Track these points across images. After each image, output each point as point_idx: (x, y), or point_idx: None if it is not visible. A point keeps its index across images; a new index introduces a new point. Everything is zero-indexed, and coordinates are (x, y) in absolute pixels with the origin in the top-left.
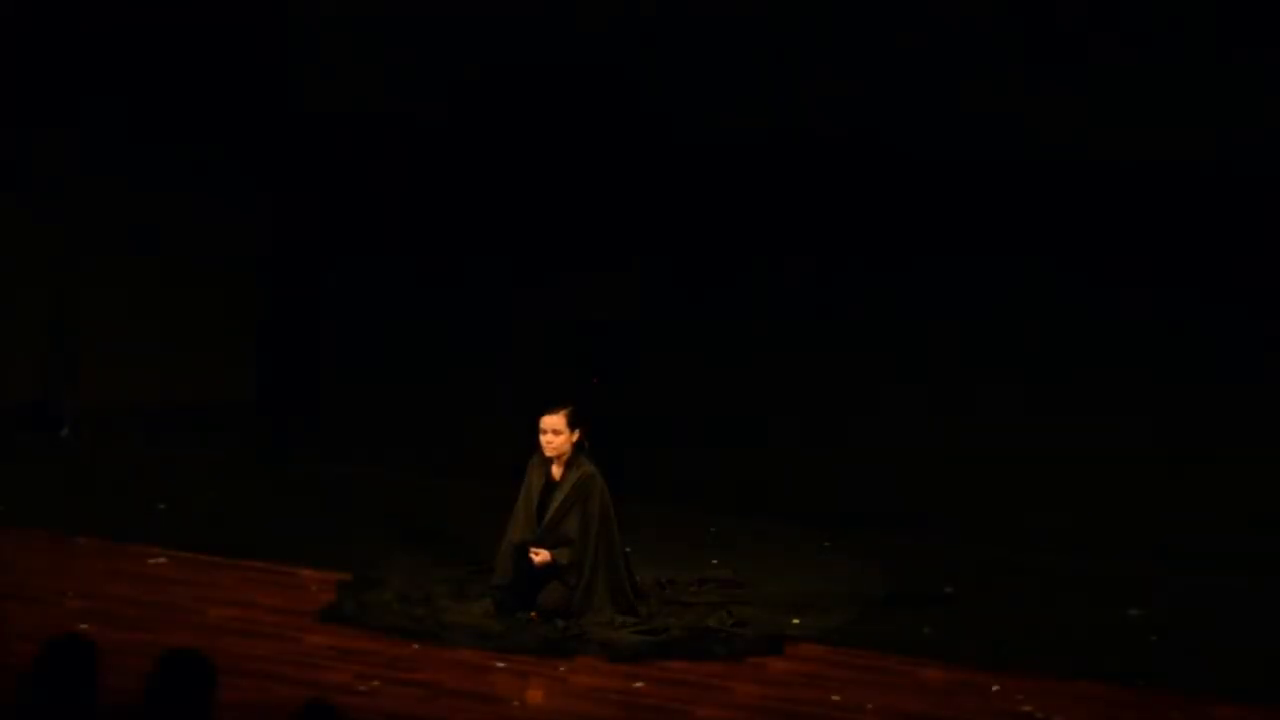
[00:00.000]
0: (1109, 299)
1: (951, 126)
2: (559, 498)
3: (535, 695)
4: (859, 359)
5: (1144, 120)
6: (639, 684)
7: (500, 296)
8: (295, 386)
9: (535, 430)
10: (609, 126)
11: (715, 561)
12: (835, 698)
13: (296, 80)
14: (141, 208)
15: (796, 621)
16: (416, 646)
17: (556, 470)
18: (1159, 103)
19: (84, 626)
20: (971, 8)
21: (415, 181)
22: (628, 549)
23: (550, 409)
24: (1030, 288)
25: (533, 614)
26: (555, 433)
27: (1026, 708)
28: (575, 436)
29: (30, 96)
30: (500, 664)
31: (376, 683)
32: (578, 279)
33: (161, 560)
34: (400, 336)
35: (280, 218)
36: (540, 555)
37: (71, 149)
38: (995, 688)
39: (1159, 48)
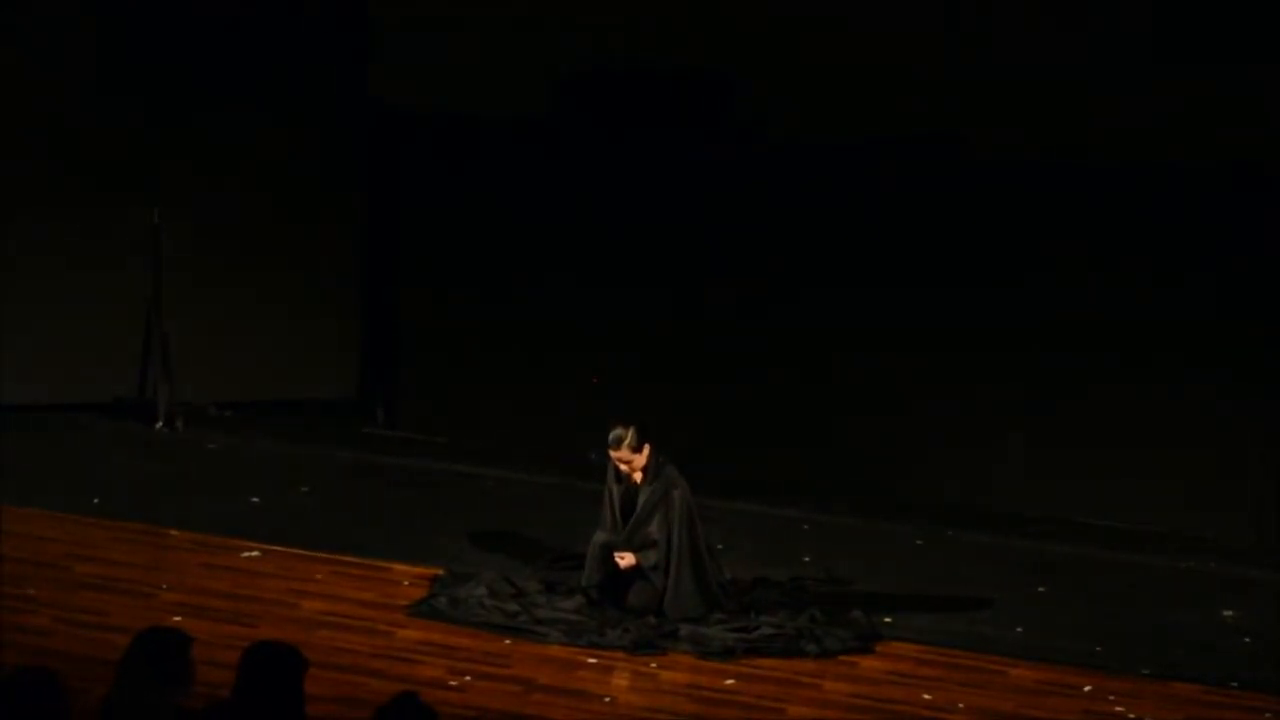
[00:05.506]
0: (1211, 297)
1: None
2: (640, 501)
3: (627, 692)
4: (952, 357)
5: None
6: (730, 681)
7: (592, 296)
8: (392, 383)
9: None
10: (703, 129)
11: (807, 559)
12: (926, 696)
13: (394, 80)
14: (241, 202)
15: (888, 620)
16: (509, 642)
17: (637, 475)
18: None
19: (178, 619)
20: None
21: (512, 181)
22: (719, 546)
23: (613, 445)
24: (1125, 285)
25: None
26: (627, 462)
27: (1119, 708)
28: (648, 450)
29: (141, 104)
30: (592, 660)
31: (468, 678)
32: (667, 278)
33: (255, 554)
34: (495, 334)
35: (380, 216)
36: (625, 559)
37: (170, 150)
38: (1087, 688)
39: None
